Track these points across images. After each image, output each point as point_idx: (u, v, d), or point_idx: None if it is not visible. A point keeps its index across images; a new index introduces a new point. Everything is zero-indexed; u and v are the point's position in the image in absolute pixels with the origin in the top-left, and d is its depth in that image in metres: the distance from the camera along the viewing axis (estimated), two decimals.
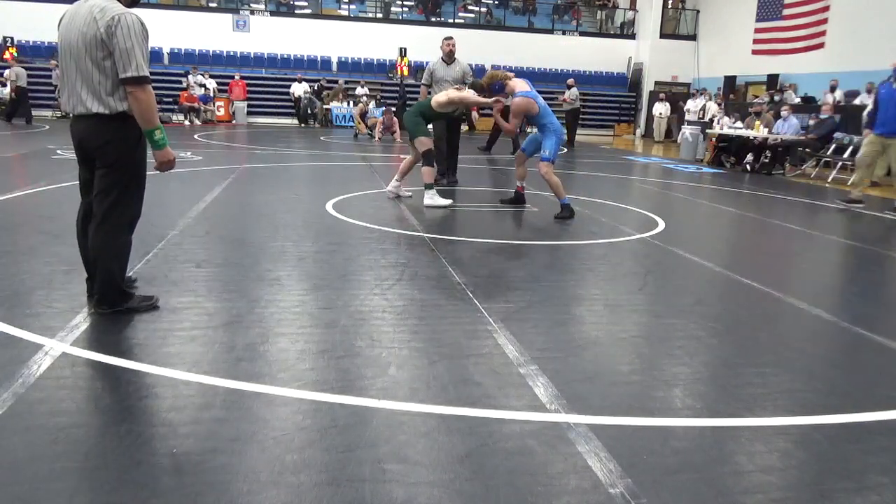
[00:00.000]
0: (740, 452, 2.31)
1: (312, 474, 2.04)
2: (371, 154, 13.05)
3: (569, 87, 17.62)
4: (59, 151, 10.58)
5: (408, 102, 20.96)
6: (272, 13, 22.82)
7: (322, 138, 16.54)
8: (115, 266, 3.27)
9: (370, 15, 24.35)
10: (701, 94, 19.22)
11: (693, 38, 23.76)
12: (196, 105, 19.65)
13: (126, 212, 3.26)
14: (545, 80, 23.22)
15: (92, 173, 3.24)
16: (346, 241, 5.30)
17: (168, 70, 21.09)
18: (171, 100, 19.85)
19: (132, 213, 3.31)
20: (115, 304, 3.31)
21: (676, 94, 21.89)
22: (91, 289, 3.39)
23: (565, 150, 5.96)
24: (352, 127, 16.98)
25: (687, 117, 18.48)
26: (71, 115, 3.21)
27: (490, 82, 6.73)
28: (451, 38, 8.74)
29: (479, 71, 21.70)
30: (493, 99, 6.76)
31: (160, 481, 1.97)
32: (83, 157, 3.25)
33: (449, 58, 8.55)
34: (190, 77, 19.84)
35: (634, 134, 24.41)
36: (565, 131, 6.36)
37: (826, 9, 17.19)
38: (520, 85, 6.67)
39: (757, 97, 17.21)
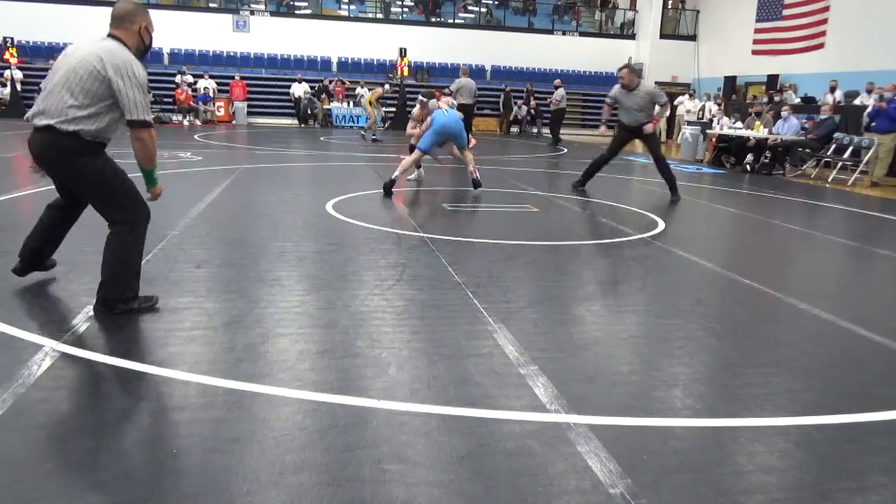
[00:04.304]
0: (740, 452, 2.31)
1: (312, 474, 2.04)
2: (371, 154, 13.04)
3: (556, 88, 17.73)
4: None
5: (407, 103, 21.01)
6: (272, 13, 22.82)
7: (322, 139, 16.54)
8: (129, 265, 3.31)
9: (370, 15, 24.36)
10: (691, 98, 19.42)
11: (693, 38, 23.76)
12: (194, 105, 19.64)
13: (120, 213, 3.29)
14: (545, 80, 23.23)
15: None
16: (346, 241, 5.30)
17: (168, 70, 21.08)
18: (170, 100, 19.85)
19: (128, 215, 3.31)
20: (115, 306, 3.31)
21: (670, 94, 21.93)
22: (23, 268, 3.64)
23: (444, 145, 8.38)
24: (352, 128, 16.88)
25: (686, 118, 18.52)
26: (37, 124, 3.16)
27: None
28: (623, 68, 8.52)
29: (478, 71, 21.70)
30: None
31: (160, 481, 1.97)
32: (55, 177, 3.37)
33: (630, 85, 8.31)
34: (178, 77, 19.80)
35: None
36: (440, 128, 7.87)
37: (826, 9, 17.19)
38: (442, 103, 8.28)
39: (756, 97, 17.22)
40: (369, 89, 19.98)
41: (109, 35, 3.19)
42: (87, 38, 3.74)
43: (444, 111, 8.08)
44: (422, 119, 8.55)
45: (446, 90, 9.86)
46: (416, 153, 7.94)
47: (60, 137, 3.10)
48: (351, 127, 16.93)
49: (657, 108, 8.35)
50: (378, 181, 8.97)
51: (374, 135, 16.20)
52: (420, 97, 9.02)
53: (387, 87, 17.75)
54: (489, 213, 7.10)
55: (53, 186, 3.59)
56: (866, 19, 15.95)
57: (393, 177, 7.69)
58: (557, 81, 18.15)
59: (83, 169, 3.20)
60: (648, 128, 8.29)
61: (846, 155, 12.11)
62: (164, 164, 9.87)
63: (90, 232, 5.08)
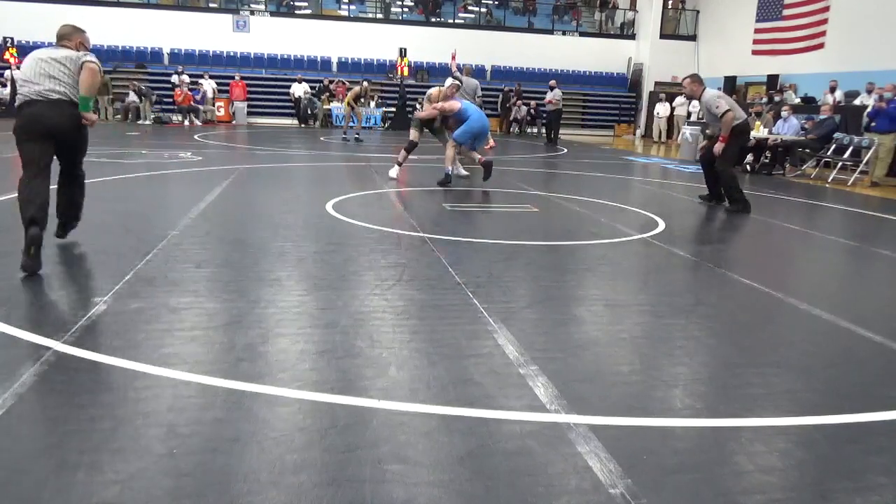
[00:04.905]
0: (740, 453, 2.31)
1: (312, 475, 2.04)
2: (371, 155, 13.04)
3: (551, 89, 17.73)
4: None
5: (408, 103, 21.01)
6: (272, 13, 22.83)
7: (322, 139, 16.54)
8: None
9: (370, 15, 24.36)
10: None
11: (693, 38, 23.76)
12: (194, 105, 19.64)
13: (82, 162, 4.66)
14: (545, 80, 23.23)
15: (45, 157, 4.23)
16: (346, 241, 5.30)
17: (168, 70, 21.09)
18: (170, 100, 19.84)
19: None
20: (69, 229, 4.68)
21: (670, 94, 21.93)
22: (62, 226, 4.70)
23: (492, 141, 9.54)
24: (353, 127, 16.84)
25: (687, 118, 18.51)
26: (37, 97, 4.12)
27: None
28: (685, 78, 8.03)
29: (478, 71, 21.73)
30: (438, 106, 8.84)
31: (160, 482, 1.97)
32: (47, 136, 4.21)
33: (693, 95, 8.01)
34: (175, 77, 19.83)
35: (634, 134, 24.42)
36: (479, 126, 8.61)
37: (826, 9, 17.18)
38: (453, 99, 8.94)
39: (756, 97, 17.22)
40: (361, 83, 20.00)
41: (62, 45, 4.36)
42: None
43: (478, 110, 8.71)
44: (439, 100, 8.87)
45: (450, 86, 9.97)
46: (453, 146, 8.50)
47: (75, 108, 4.24)
48: (352, 127, 16.92)
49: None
50: (378, 181, 8.97)
51: (356, 134, 16.16)
52: (455, 81, 9.35)
53: (365, 84, 17.68)
54: (489, 213, 7.10)
55: (51, 187, 3.73)
56: (866, 19, 15.94)
57: (447, 172, 8.51)
58: (553, 82, 18.20)
59: (83, 131, 4.42)
60: (715, 148, 7.51)
61: (846, 155, 12.11)
62: (164, 164, 9.88)
63: (89, 235, 5.08)
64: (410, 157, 9.29)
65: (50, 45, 4.46)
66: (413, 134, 9.07)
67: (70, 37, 4.41)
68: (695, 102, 19.11)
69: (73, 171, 4.60)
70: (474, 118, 8.50)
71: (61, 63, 4.20)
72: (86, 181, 4.80)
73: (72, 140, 4.37)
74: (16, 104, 4.29)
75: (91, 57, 4.30)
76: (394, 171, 9.09)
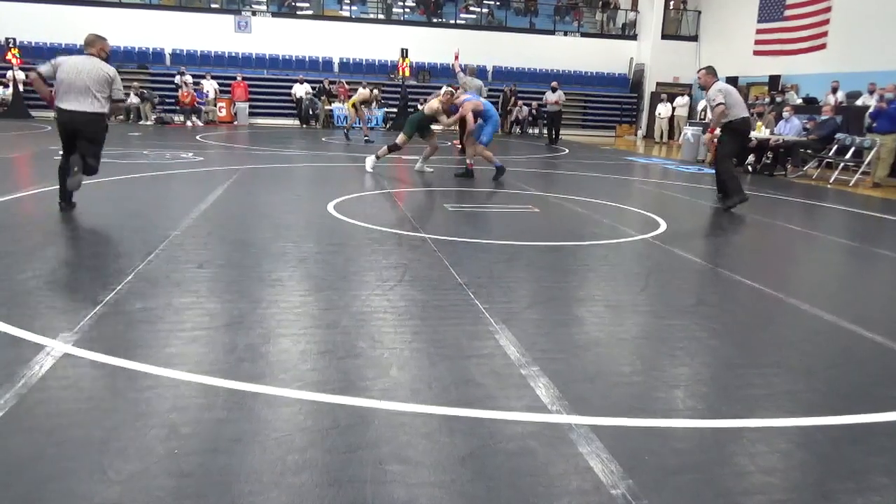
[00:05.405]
0: (741, 453, 2.31)
1: (314, 475, 2.04)
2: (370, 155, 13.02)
3: (553, 90, 17.84)
4: (60, 153, 10.58)
5: (409, 104, 21.02)
6: (274, 14, 22.83)
7: (323, 139, 16.55)
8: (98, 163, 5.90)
9: (372, 16, 24.36)
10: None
11: (695, 38, 23.74)
12: (197, 105, 19.65)
13: (100, 153, 5.88)
14: (547, 80, 23.24)
15: (74, 143, 5.70)
16: (347, 241, 5.30)
17: (170, 71, 21.11)
18: (172, 100, 19.86)
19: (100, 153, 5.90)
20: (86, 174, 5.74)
21: (671, 95, 21.95)
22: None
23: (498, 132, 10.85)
24: (355, 127, 16.83)
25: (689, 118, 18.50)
26: (69, 108, 5.56)
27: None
28: (700, 70, 8.05)
29: (480, 72, 21.83)
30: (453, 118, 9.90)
31: (162, 482, 1.98)
32: (73, 133, 5.68)
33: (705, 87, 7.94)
34: (177, 77, 19.85)
35: (636, 135, 24.40)
36: (499, 119, 9.76)
37: (828, 10, 17.16)
38: (465, 96, 9.76)
39: (758, 98, 17.21)
40: (371, 90, 20.01)
41: (89, 54, 5.64)
42: None
43: (491, 105, 9.50)
44: (446, 111, 9.45)
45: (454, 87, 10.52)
46: (482, 147, 9.26)
47: (100, 115, 5.65)
48: (354, 127, 16.93)
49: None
50: (379, 182, 8.97)
51: (365, 136, 16.19)
52: (448, 88, 9.79)
53: (375, 92, 17.61)
54: (490, 214, 7.10)
55: (53, 187, 4.86)
56: (868, 20, 15.93)
57: (497, 166, 9.25)
58: (555, 83, 18.30)
59: (102, 132, 5.79)
60: (704, 137, 7.44)
61: (848, 156, 12.09)
62: (166, 164, 9.89)
63: (91, 234, 5.09)
64: (409, 157, 9.39)
65: (55, 46, 5.08)
66: (401, 139, 9.47)
67: (94, 44, 5.67)
68: (701, 102, 19.23)
69: (87, 154, 5.66)
70: (494, 118, 9.33)
71: (97, 83, 5.57)
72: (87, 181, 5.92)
73: (90, 133, 5.65)
74: (55, 103, 5.59)
75: (121, 94, 5.83)
76: (370, 164, 9.79)
